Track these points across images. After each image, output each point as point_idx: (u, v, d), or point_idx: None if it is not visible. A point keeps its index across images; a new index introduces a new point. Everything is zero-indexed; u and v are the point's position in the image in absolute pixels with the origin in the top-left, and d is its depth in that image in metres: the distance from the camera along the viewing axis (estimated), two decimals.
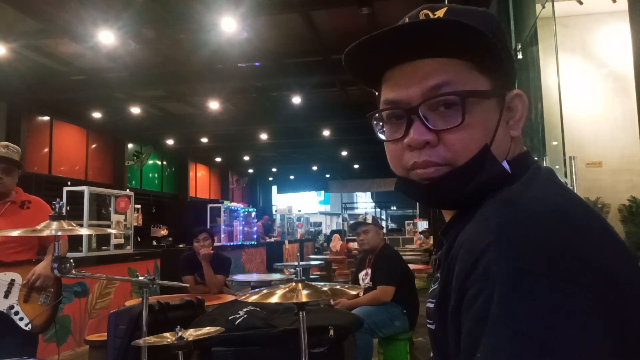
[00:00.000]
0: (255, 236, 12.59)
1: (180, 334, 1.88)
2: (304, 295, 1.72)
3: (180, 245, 9.02)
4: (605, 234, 0.57)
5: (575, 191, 2.71)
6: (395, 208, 26.05)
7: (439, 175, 0.66)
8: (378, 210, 24.95)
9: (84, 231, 2.19)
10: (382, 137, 0.72)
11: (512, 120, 0.70)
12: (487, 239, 0.54)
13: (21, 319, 2.58)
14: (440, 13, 0.69)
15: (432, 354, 0.74)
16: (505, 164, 0.66)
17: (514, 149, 0.70)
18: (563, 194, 0.62)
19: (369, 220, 3.78)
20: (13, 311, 2.57)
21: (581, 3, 3.30)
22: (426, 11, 0.70)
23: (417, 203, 17.81)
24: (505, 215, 0.57)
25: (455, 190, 0.66)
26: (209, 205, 11.30)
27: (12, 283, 2.61)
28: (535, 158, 0.76)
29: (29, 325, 2.59)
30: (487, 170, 0.64)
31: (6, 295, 2.59)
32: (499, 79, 0.68)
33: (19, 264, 2.67)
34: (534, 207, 0.57)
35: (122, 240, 6.91)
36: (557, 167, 3.03)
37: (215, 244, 4.50)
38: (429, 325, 0.71)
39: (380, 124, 0.72)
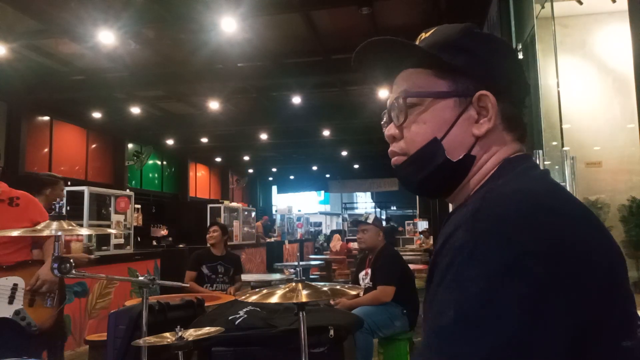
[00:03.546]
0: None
1: (180, 334, 1.88)
2: (304, 295, 1.72)
3: (180, 246, 9.02)
4: (581, 220, 0.61)
5: (574, 191, 2.71)
6: (395, 208, 26.04)
7: (399, 163, 0.78)
8: (378, 210, 24.93)
9: (84, 231, 2.19)
10: None
11: (484, 119, 0.72)
12: (461, 221, 0.61)
13: (28, 323, 2.53)
14: (429, 33, 0.78)
15: None
16: (461, 157, 0.72)
17: (506, 150, 0.73)
18: (544, 185, 0.66)
19: (370, 220, 3.81)
20: (20, 316, 2.52)
21: (581, 3, 3.30)
22: (422, 33, 0.80)
23: (417, 203, 17.83)
24: (480, 200, 0.63)
25: (410, 176, 0.77)
26: (209, 205, 11.29)
27: (15, 288, 2.56)
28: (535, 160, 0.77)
29: (37, 330, 2.54)
30: (435, 160, 0.73)
31: (10, 301, 2.53)
32: (461, 81, 0.73)
33: (19, 266, 2.61)
34: (508, 193, 0.63)
35: (122, 240, 6.92)
36: (557, 167, 3.03)
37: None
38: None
39: None
